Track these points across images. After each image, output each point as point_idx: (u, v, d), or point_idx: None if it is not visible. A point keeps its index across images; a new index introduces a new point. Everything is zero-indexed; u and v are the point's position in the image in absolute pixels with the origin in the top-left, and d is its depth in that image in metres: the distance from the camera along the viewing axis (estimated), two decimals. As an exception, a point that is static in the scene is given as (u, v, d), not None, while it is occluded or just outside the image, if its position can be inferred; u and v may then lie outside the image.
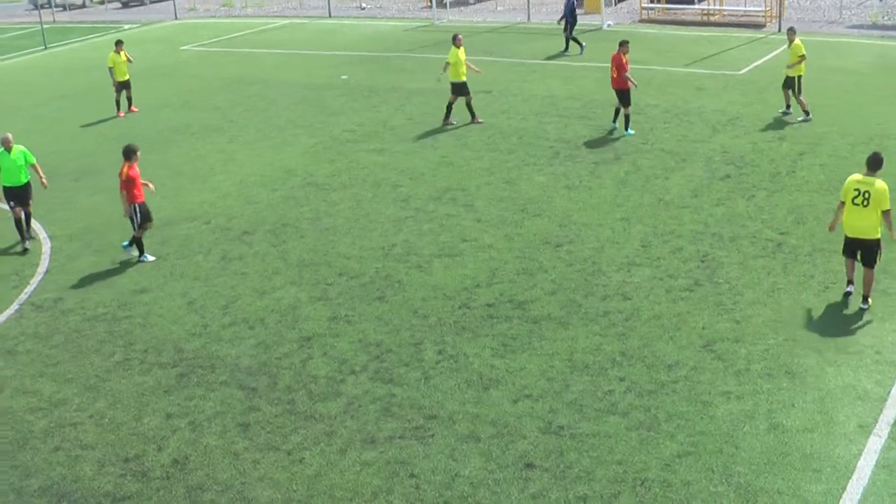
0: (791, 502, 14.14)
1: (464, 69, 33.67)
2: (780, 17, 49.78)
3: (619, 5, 60.11)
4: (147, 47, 57.99)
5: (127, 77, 40.88)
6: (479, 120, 34.21)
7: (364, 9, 67.58)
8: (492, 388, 17.72)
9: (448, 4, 62.60)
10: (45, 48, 61.11)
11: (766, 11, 51.58)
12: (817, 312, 19.42)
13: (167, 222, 27.09)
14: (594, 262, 22.37)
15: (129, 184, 24.43)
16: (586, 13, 55.96)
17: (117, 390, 18.88)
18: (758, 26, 50.63)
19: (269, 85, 43.23)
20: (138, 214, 24.60)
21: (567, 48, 46.88)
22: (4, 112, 43.53)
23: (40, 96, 46.36)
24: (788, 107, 32.69)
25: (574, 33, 46.93)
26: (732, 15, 53.73)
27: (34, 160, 26.55)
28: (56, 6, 78.83)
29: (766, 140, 29.94)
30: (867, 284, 19.46)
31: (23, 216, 26.45)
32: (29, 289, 23.74)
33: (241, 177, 30.83)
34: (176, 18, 70.47)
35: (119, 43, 40.74)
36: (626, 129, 32.18)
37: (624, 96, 32.03)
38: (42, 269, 24.86)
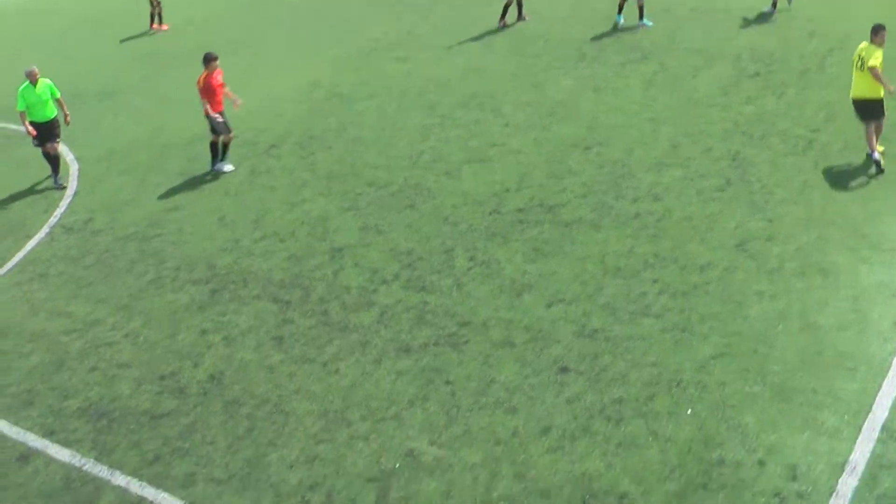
0: (826, 401, 14.11)
1: None
2: None
3: None
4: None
5: None
6: (526, 17, 34.41)
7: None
8: (524, 293, 17.69)
9: None
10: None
11: None
12: (849, 210, 19.22)
13: (194, 139, 27.03)
14: (624, 164, 22.22)
15: (205, 92, 24.35)
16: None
17: (151, 308, 18.97)
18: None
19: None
20: (215, 122, 24.48)
21: None
22: (27, 39, 43.49)
23: (64, 21, 46.17)
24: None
25: None
26: None
27: (59, 94, 25.55)
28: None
29: (794, 37, 29.52)
30: (871, 138, 20.62)
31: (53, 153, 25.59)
32: (58, 211, 23.81)
33: (267, 91, 30.68)
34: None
35: None
36: (641, 19, 32.30)
37: None
38: (70, 191, 24.92)
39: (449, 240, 19.94)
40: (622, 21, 32.52)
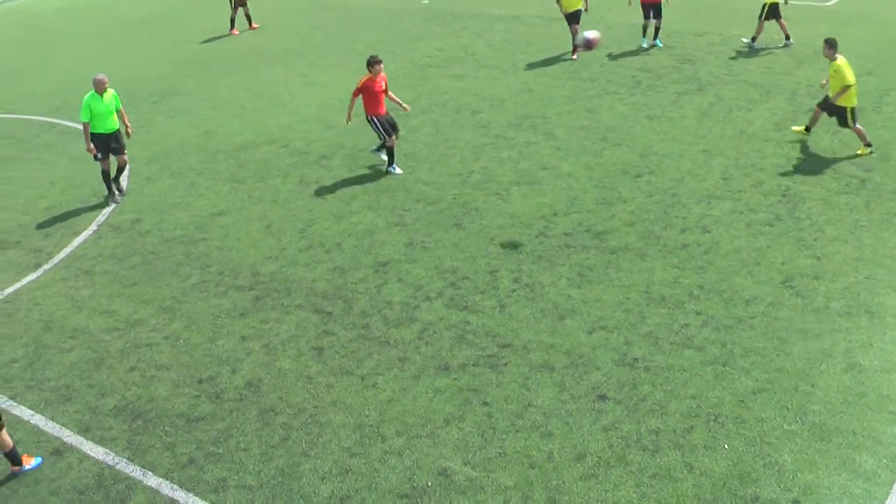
0: (866, 443, 13.95)
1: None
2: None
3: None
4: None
5: None
6: (574, 56, 33.66)
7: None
8: (567, 318, 17.62)
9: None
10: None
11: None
12: (900, 250, 19.10)
13: (245, 146, 27.17)
14: (674, 193, 22.11)
15: (366, 95, 24.31)
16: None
17: (193, 312, 19.01)
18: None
19: (348, 9, 43.04)
20: (378, 126, 24.49)
21: None
22: (82, 36, 43.85)
23: (118, 21, 46.59)
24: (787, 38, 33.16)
25: None
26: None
27: (121, 105, 24.61)
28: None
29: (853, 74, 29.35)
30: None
31: (112, 168, 24.61)
32: (107, 210, 23.95)
33: (321, 101, 30.79)
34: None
35: None
36: (655, 39, 33.42)
37: (657, 9, 33.05)
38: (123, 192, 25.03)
39: (494, 260, 19.89)
40: (646, 44, 33.30)
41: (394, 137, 24.62)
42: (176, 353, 17.69)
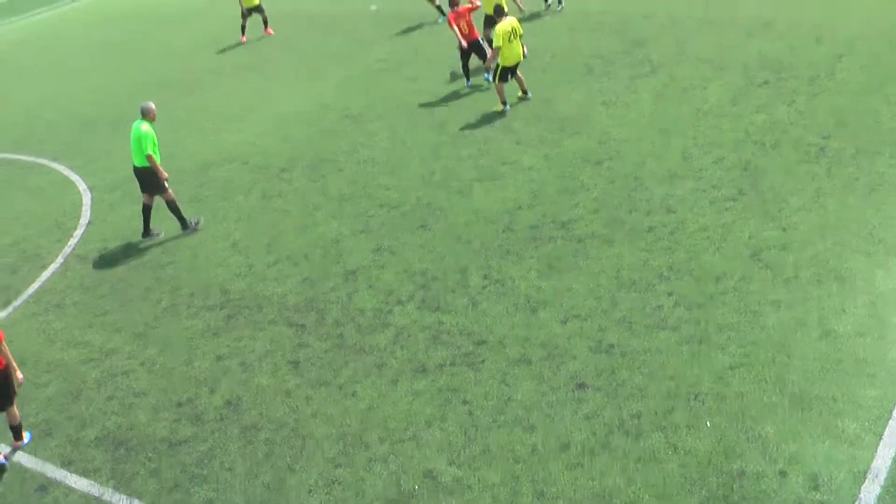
0: (846, 408, 14.02)
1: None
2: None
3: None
4: (175, -10, 58.04)
5: (257, 2, 41.57)
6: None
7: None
8: (540, 309, 17.64)
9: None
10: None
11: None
12: (864, 215, 19.12)
13: (206, 165, 27.14)
14: (636, 177, 22.17)
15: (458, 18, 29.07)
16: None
17: (166, 336, 18.98)
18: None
19: (298, 20, 42.96)
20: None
21: None
22: (41, 66, 43.71)
23: (76, 48, 46.48)
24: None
25: None
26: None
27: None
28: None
29: (802, 43, 29.46)
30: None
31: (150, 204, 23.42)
32: (72, 241, 23.87)
33: (277, 114, 30.77)
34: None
35: None
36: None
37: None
38: (84, 220, 24.97)
39: (462, 258, 19.91)
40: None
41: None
42: (153, 379, 17.66)
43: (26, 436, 16.59)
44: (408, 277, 19.55)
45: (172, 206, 23.17)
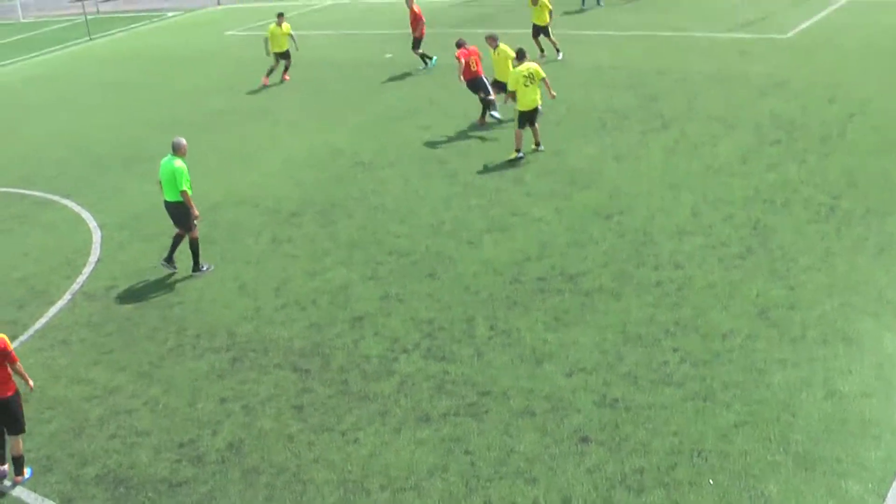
0: (850, 469, 13.96)
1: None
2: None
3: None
4: (191, 32, 58.58)
5: (285, 48, 41.74)
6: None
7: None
8: (545, 362, 17.62)
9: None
10: (91, 39, 61.46)
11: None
12: (873, 276, 19.13)
13: (216, 206, 27.17)
14: (645, 231, 22.19)
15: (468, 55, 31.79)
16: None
17: (171, 376, 18.95)
18: (804, -12, 49.92)
19: (313, 66, 43.12)
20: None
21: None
22: (53, 103, 43.88)
23: (87, 86, 46.68)
24: (542, 52, 37.39)
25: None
26: (778, -23, 53.00)
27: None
28: (99, -4, 79.22)
29: (815, 103, 29.57)
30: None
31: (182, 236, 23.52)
32: (81, 278, 23.88)
33: (289, 158, 30.86)
34: (219, 4, 70.66)
35: (280, 15, 41.74)
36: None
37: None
38: (93, 258, 24.99)
39: (470, 308, 19.91)
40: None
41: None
42: (155, 419, 17.62)
43: (27, 472, 16.53)
44: (414, 326, 19.54)
45: (194, 246, 23.30)
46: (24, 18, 76.88)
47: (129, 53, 54.38)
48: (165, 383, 18.75)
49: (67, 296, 23.03)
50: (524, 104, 27.25)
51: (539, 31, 38.63)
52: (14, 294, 23.63)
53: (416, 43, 40.47)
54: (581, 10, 48.86)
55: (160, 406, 18.01)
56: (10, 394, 15.95)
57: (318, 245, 23.91)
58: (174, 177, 22.47)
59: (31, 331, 21.65)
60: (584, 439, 15.35)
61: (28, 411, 18.07)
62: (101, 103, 42.82)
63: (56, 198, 30.05)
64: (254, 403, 17.64)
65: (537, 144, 28.31)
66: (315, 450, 16.06)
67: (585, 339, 18.19)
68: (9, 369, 15.93)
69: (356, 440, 16.16)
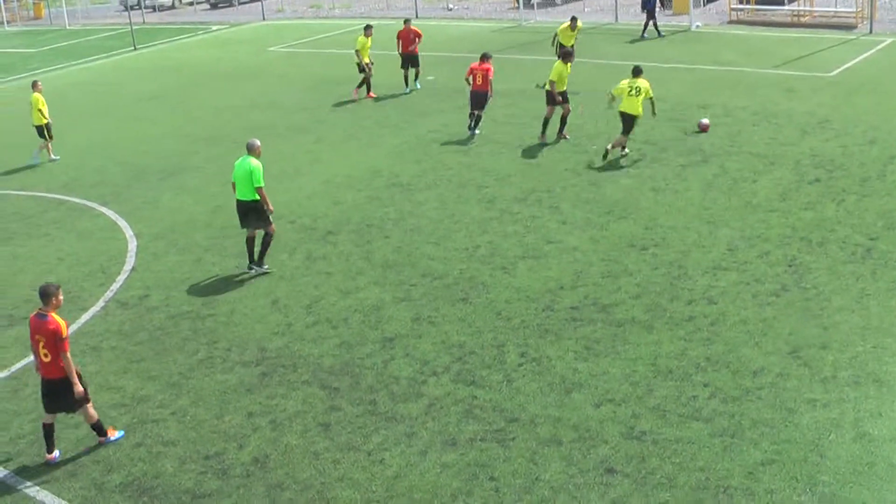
0: (878, 513, 13.90)
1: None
2: (871, 18, 48.99)
3: (707, 6, 59.29)
4: (235, 48, 58.84)
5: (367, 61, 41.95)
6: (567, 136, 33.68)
7: (451, 9, 67.60)
8: (574, 391, 17.58)
9: (535, 5, 62.52)
10: (135, 49, 61.93)
11: (857, 12, 50.82)
12: (907, 319, 19.08)
13: (252, 221, 27.23)
14: (680, 265, 22.15)
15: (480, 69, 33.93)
16: (675, 14, 55.86)
17: (200, 388, 18.98)
18: (849, 27, 49.88)
19: (355, 85, 43.26)
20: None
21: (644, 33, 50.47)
22: (94, 111, 44.20)
23: (129, 96, 46.95)
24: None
25: (662, 31, 48.95)
26: (823, 16, 53.05)
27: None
28: (146, 7, 79.69)
29: (856, 143, 29.51)
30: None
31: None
32: (115, 286, 23.96)
33: (327, 177, 30.93)
34: (264, 19, 71.06)
35: (368, 27, 42.02)
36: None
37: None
38: (128, 266, 25.08)
39: (501, 334, 19.89)
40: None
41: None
42: (183, 429, 17.64)
43: (115, 434, 17.52)
44: (445, 349, 19.53)
45: (267, 241, 23.95)
46: (70, 26, 77.42)
47: (173, 65, 54.74)
48: (194, 395, 18.79)
49: (101, 303, 23.12)
50: (629, 109, 29.79)
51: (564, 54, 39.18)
52: (48, 299, 23.74)
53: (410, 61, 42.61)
54: (641, 39, 48.99)
55: (188, 417, 18.04)
56: (59, 375, 16.54)
57: (352, 264, 23.94)
58: (250, 175, 23.14)
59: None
60: (610, 470, 15.30)
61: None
62: (141, 114, 43.04)
63: (94, 205, 30.21)
64: (281, 419, 17.65)
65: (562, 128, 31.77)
66: (340, 468, 16.05)
67: (615, 370, 18.15)
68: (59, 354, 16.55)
69: (382, 461, 16.15)
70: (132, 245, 26.53)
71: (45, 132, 36.02)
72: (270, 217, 23.67)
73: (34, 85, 36.34)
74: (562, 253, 23.38)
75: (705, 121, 31.62)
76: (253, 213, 23.55)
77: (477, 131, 34.36)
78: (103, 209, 29.86)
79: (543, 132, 32.83)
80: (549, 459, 15.72)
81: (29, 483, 16.47)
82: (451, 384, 18.21)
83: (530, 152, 31.41)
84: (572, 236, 24.27)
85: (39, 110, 35.55)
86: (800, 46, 44.95)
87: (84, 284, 24.25)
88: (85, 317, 22.51)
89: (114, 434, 17.50)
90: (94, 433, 17.30)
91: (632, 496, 14.69)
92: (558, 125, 32.83)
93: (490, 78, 33.76)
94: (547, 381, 18.01)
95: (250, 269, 24.05)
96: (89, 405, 16.98)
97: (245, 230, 23.99)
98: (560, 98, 32.03)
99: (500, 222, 25.66)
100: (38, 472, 16.76)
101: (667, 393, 17.24)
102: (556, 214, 25.83)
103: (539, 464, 15.63)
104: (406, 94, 41.66)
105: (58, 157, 36.35)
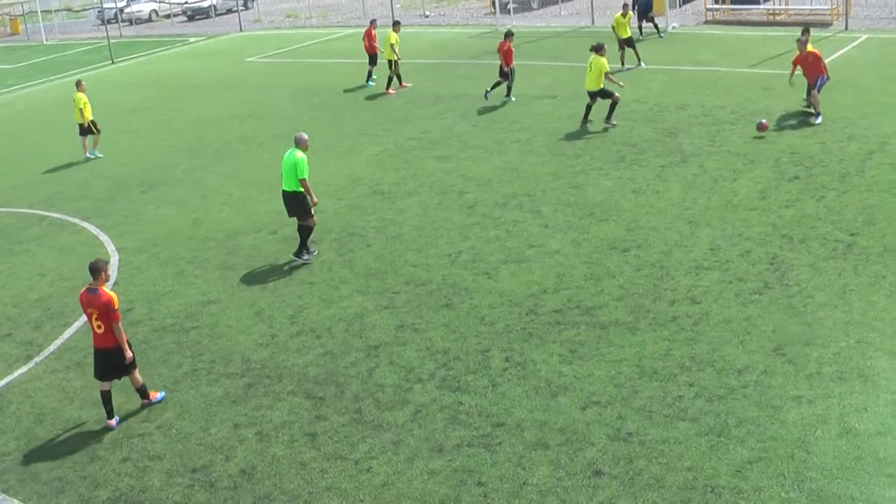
0: (865, 508, 13.93)
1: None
2: (846, 14, 49.11)
3: (683, 7, 59.40)
4: (213, 59, 58.79)
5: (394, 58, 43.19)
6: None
7: (428, 16, 67.64)
8: (560, 394, 17.59)
9: (512, 10, 62.58)
10: (113, 62, 61.83)
11: (832, 9, 50.95)
12: (890, 314, 19.08)
13: (234, 233, 27.22)
14: (662, 266, 22.18)
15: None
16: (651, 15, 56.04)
17: (185, 401, 18.95)
18: (824, 25, 49.96)
19: (333, 94, 43.27)
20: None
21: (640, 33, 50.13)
22: (74, 125, 43.98)
23: (108, 110, 46.75)
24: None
25: (643, 33, 50.01)
26: (798, 14, 53.10)
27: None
28: (122, 21, 79.57)
29: (834, 140, 29.58)
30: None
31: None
32: (98, 301, 23.89)
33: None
34: (241, 31, 71.01)
35: (397, 24, 44.22)
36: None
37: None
38: (111, 281, 25.01)
39: (485, 340, 19.89)
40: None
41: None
42: (169, 443, 17.61)
43: (157, 395, 19.10)
44: (429, 356, 19.53)
45: (308, 231, 25.02)
46: (47, 41, 77.32)
47: (151, 78, 54.67)
48: (179, 407, 18.76)
49: (84, 318, 23.06)
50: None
51: (623, 43, 42.61)
52: (30, 315, 23.68)
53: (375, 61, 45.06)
54: (639, 41, 49.20)
55: (173, 430, 18.01)
56: (112, 344, 18.07)
57: (334, 273, 23.93)
58: (295, 167, 24.36)
59: (46, 352, 21.67)
60: (598, 473, 15.31)
61: (41, 432, 18.15)
62: (122, 127, 42.95)
63: (76, 220, 30.14)
64: (267, 430, 17.63)
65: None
66: (328, 478, 16.04)
67: (600, 372, 18.17)
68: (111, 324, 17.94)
69: (369, 469, 16.14)
70: (114, 259, 26.47)
71: (92, 128, 37.65)
72: (312, 210, 24.82)
73: (78, 84, 38.31)
74: (544, 257, 23.40)
75: (764, 121, 31.34)
76: (296, 202, 24.64)
77: (489, 95, 39.39)
78: (85, 224, 29.78)
79: (586, 117, 34.65)
80: (536, 463, 15.72)
81: (16, 501, 16.43)
82: (437, 390, 18.21)
83: (510, 157, 31.42)
84: (554, 240, 24.29)
85: (81, 109, 37.15)
86: (776, 45, 44.99)
87: (66, 300, 24.16)
88: (68, 332, 22.46)
89: (156, 396, 19.02)
90: (138, 396, 18.91)
91: (620, 498, 14.70)
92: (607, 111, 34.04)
93: (507, 53, 38.55)
94: (532, 384, 18.02)
95: (304, 256, 24.99)
96: (136, 371, 18.50)
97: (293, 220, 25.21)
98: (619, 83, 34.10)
99: (481, 227, 25.66)
100: (24, 489, 16.72)
101: (652, 394, 17.26)
102: (537, 218, 25.84)
103: (526, 468, 15.64)
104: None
105: (100, 155, 38.01)
